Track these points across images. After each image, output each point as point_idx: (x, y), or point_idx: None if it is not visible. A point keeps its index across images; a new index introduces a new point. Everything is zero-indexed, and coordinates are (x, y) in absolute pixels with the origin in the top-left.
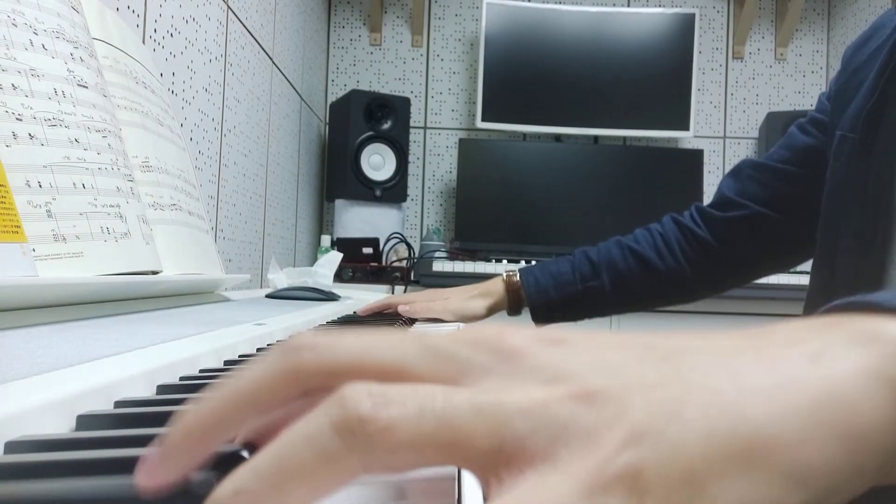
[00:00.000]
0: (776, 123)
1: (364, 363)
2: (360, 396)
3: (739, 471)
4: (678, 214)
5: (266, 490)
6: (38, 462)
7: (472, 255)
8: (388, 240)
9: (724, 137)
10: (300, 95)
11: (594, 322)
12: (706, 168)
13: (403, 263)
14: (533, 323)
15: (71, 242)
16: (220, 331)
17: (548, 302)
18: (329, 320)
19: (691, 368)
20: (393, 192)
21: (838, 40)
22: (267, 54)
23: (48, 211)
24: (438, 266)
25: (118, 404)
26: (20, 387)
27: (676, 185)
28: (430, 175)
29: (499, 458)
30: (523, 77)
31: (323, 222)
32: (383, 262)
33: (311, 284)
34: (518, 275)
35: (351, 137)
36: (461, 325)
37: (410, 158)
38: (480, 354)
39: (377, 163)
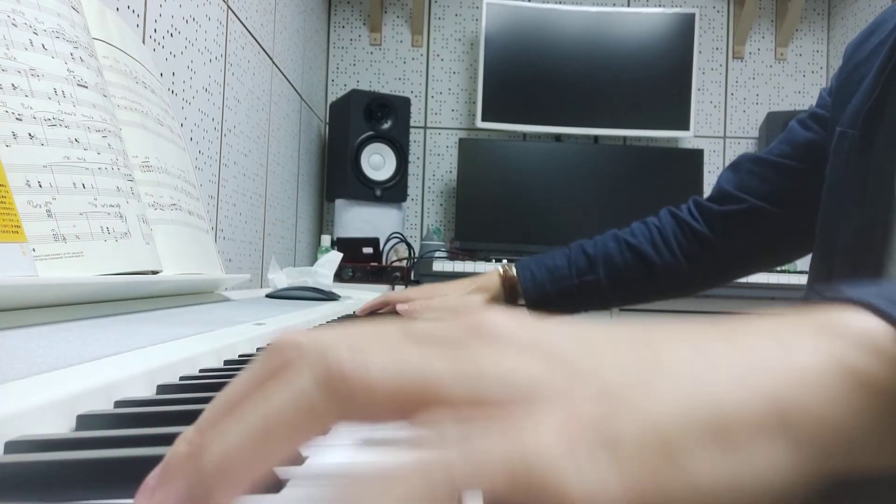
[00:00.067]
0: (776, 123)
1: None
2: (341, 353)
3: (710, 445)
4: (675, 208)
5: (253, 443)
6: (38, 462)
7: (473, 255)
8: (388, 240)
9: (724, 137)
10: (300, 95)
11: (591, 315)
12: (706, 168)
13: (403, 263)
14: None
15: (71, 242)
16: (220, 331)
17: (544, 296)
18: (329, 320)
19: (667, 350)
20: (393, 191)
21: (838, 40)
22: (267, 54)
23: (48, 211)
24: (438, 266)
25: (118, 404)
26: (20, 387)
27: (676, 185)
28: (430, 175)
29: (475, 405)
30: (523, 77)
31: (323, 222)
32: (383, 262)
33: (311, 284)
34: (514, 269)
35: (351, 137)
36: None
37: (410, 158)
38: (460, 332)
39: (377, 163)
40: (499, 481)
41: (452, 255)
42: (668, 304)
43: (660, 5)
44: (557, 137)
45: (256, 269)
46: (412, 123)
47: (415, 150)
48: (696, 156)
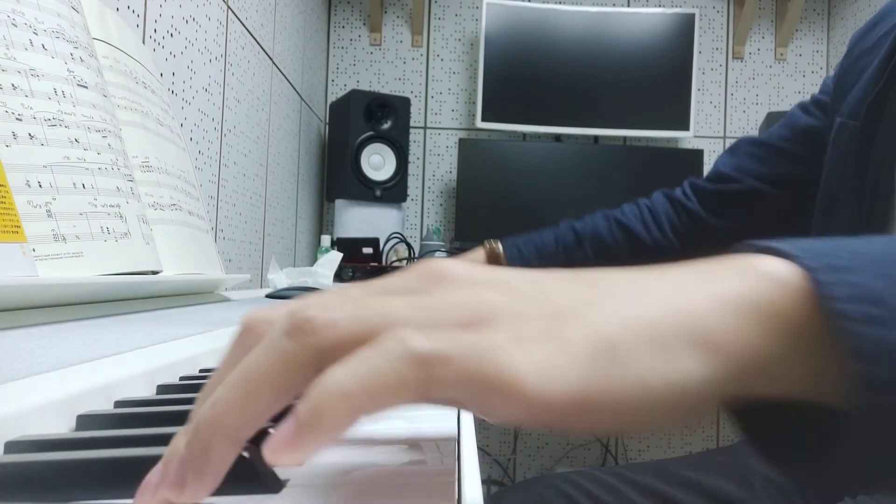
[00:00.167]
0: (776, 123)
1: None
2: (308, 308)
3: (646, 349)
4: (669, 189)
5: (236, 395)
6: (38, 462)
7: None
8: (388, 240)
9: (724, 137)
10: (300, 95)
11: None
12: (706, 168)
13: (403, 263)
14: None
15: (71, 242)
16: (220, 331)
17: None
18: None
19: (606, 281)
20: (393, 192)
21: (838, 40)
22: (267, 54)
23: (48, 211)
24: None
25: (118, 404)
26: (20, 387)
27: (676, 185)
28: (430, 175)
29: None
30: (523, 77)
31: (323, 222)
32: (383, 262)
33: (311, 284)
34: (500, 245)
35: (351, 137)
36: None
37: (410, 158)
38: (417, 279)
39: (377, 163)
40: (455, 375)
41: (452, 255)
42: None
43: (660, 5)
44: (557, 137)
45: (256, 269)
46: (412, 123)
47: (415, 151)
48: (695, 156)
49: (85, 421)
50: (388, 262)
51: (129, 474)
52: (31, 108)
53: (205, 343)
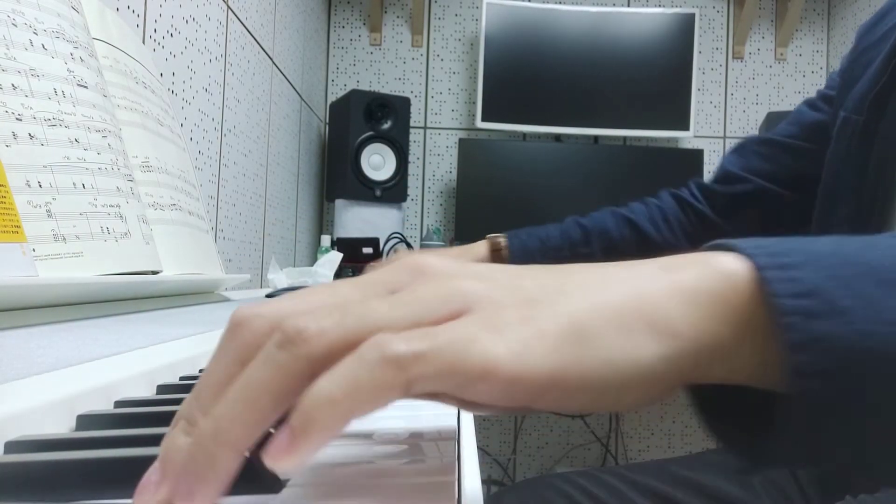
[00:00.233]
0: (776, 123)
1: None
2: (296, 318)
3: (612, 331)
4: (676, 190)
5: (238, 408)
6: (38, 462)
7: None
8: (388, 240)
9: (724, 137)
10: (300, 95)
11: None
12: (706, 168)
13: None
14: None
15: (71, 242)
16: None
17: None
18: None
19: (574, 273)
20: (393, 192)
21: (838, 40)
22: (267, 54)
23: (48, 211)
24: None
25: (118, 404)
26: (20, 387)
27: (676, 185)
28: (430, 175)
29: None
30: (523, 77)
31: (323, 222)
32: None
33: (311, 284)
34: (503, 238)
35: (351, 137)
36: None
37: (410, 158)
38: (397, 274)
39: (377, 163)
40: (433, 370)
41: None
42: None
43: (660, 5)
44: (557, 137)
45: (256, 269)
46: (412, 123)
47: (415, 151)
48: (695, 156)
49: (85, 421)
50: None
51: (129, 474)
52: (31, 108)
53: (205, 343)
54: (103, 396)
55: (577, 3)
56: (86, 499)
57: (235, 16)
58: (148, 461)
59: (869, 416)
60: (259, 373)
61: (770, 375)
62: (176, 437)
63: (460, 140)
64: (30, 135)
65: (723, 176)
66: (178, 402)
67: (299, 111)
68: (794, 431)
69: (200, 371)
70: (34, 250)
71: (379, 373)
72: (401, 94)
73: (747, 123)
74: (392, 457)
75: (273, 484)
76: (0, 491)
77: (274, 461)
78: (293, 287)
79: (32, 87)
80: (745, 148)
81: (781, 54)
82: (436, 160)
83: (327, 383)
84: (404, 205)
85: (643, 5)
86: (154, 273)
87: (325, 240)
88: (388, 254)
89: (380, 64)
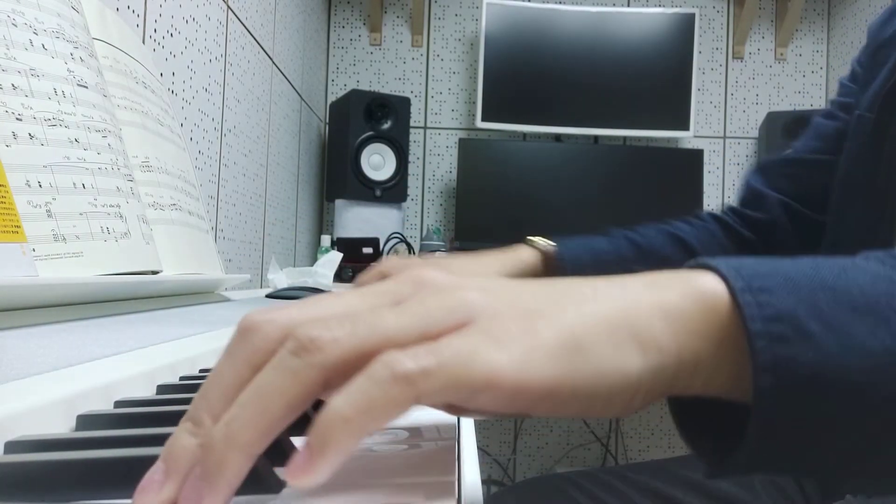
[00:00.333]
0: (776, 123)
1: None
2: (309, 326)
3: (604, 343)
4: (715, 213)
5: (250, 413)
6: (38, 462)
7: None
8: (388, 240)
9: (724, 137)
10: (300, 95)
11: None
12: (706, 168)
13: None
14: None
15: (71, 242)
16: (220, 331)
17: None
18: None
19: (567, 286)
20: (393, 192)
21: (838, 40)
22: (267, 54)
23: (48, 211)
24: None
25: (118, 404)
26: (20, 387)
27: (676, 185)
28: (430, 175)
29: (426, 342)
30: (523, 77)
31: (323, 222)
32: None
33: (311, 284)
34: (552, 245)
35: (351, 137)
36: None
37: (410, 158)
38: (405, 286)
39: (377, 163)
40: (440, 384)
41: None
42: None
43: (660, 5)
44: (557, 137)
45: (256, 269)
46: (412, 123)
47: (415, 150)
48: (695, 156)
49: (85, 421)
50: None
51: (129, 474)
52: (31, 108)
53: (205, 343)
54: (103, 396)
55: (577, 3)
56: (86, 499)
57: (235, 16)
58: (148, 461)
59: (826, 435)
60: (273, 379)
61: (743, 390)
62: (181, 438)
63: (460, 140)
64: (30, 135)
65: (754, 200)
66: (178, 402)
67: (299, 111)
68: (752, 445)
69: (201, 371)
70: (34, 250)
71: (389, 390)
72: (401, 94)
73: (747, 123)
74: (392, 456)
75: (273, 484)
76: (0, 491)
77: (294, 479)
78: (293, 287)
79: (32, 87)
80: (769, 170)
81: (781, 54)
82: (436, 160)
83: (340, 403)
84: (404, 205)
85: (643, 5)
86: (154, 273)
87: (325, 240)
88: (387, 254)
89: (380, 64)
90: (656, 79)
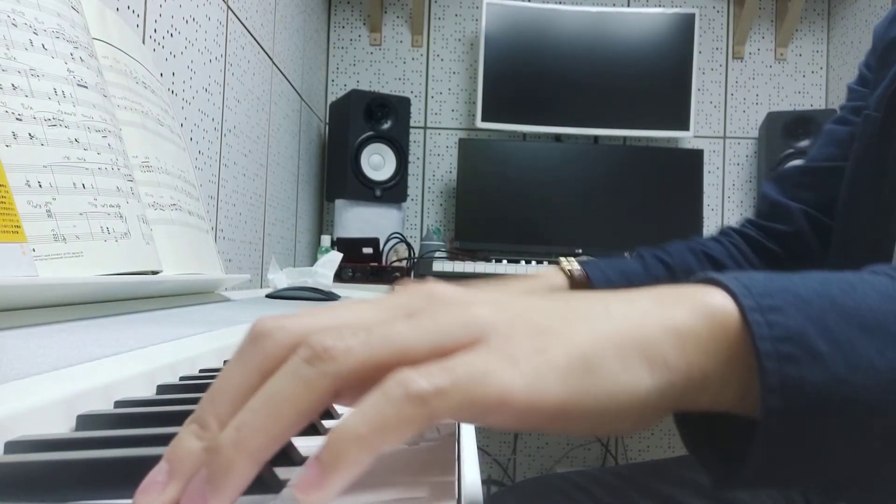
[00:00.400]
0: (776, 123)
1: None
2: (323, 335)
3: (613, 361)
4: (739, 228)
5: (261, 419)
6: (38, 462)
7: (473, 255)
8: (388, 240)
9: (724, 137)
10: (300, 95)
11: None
12: (706, 168)
13: (403, 263)
14: None
15: (71, 242)
16: (220, 331)
17: None
18: None
19: (578, 302)
20: (393, 192)
21: (838, 40)
22: (267, 54)
23: (48, 211)
24: (438, 266)
25: (118, 404)
26: (20, 387)
27: (676, 185)
28: (430, 175)
29: (439, 358)
30: (523, 77)
31: (323, 222)
32: (383, 262)
33: (311, 284)
34: (584, 269)
35: (351, 137)
36: None
37: (410, 158)
38: (417, 300)
39: (377, 163)
40: (453, 404)
41: (452, 256)
42: None
43: (660, 5)
44: (557, 137)
45: (256, 269)
46: (412, 123)
47: (415, 150)
48: (695, 156)
49: (85, 421)
50: (388, 262)
51: (130, 474)
52: (31, 108)
53: (205, 343)
54: (103, 396)
55: (577, 3)
56: (86, 499)
57: (235, 16)
58: (148, 461)
59: (833, 454)
60: (285, 386)
61: (750, 406)
62: (187, 440)
63: (460, 140)
64: (30, 135)
65: (772, 209)
66: (178, 402)
67: (299, 111)
68: (758, 462)
69: (201, 371)
70: (34, 250)
71: (403, 409)
72: (401, 94)
73: (747, 123)
74: (392, 456)
75: (273, 484)
76: (0, 491)
77: (305, 495)
78: (293, 287)
79: (32, 87)
80: (786, 181)
81: (781, 54)
82: (436, 160)
83: (354, 420)
84: (404, 205)
85: (643, 5)
86: (154, 273)
87: (325, 240)
88: (387, 254)
89: (380, 64)
90: (656, 79)
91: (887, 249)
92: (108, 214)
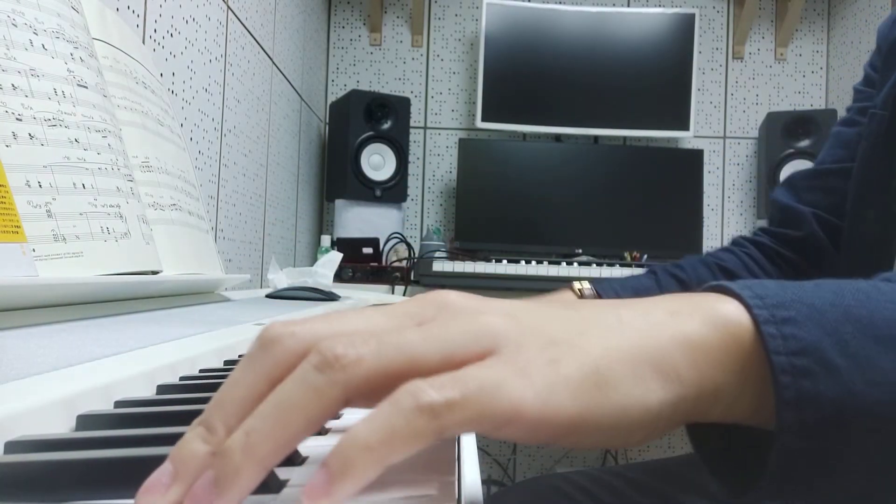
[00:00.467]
0: (776, 123)
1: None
2: (334, 342)
3: (626, 374)
4: (751, 237)
5: (270, 425)
6: (38, 462)
7: (473, 255)
8: (388, 240)
9: (724, 137)
10: (300, 95)
11: None
12: (706, 168)
13: (403, 263)
14: None
15: (71, 242)
16: (220, 331)
17: None
18: None
19: (591, 312)
20: (393, 192)
21: (838, 40)
22: (267, 54)
23: (48, 211)
24: (438, 266)
25: (118, 404)
26: (20, 387)
27: (676, 185)
28: (430, 175)
29: (450, 368)
30: (523, 77)
31: (323, 222)
32: (383, 262)
33: (311, 284)
34: (593, 289)
35: (351, 137)
36: None
37: (410, 158)
38: (427, 309)
39: (377, 163)
40: (464, 417)
41: (452, 256)
42: None
43: (660, 5)
44: (557, 137)
45: (256, 269)
46: (412, 123)
47: (415, 151)
48: (695, 156)
49: (85, 421)
50: (388, 263)
51: (129, 474)
52: (31, 108)
53: (205, 343)
54: (103, 396)
55: (577, 3)
56: (86, 499)
57: (235, 16)
58: (148, 461)
59: (850, 467)
60: (294, 393)
61: (764, 418)
62: (193, 442)
63: (460, 140)
64: (30, 135)
65: (784, 215)
66: (178, 402)
67: (299, 111)
68: (773, 476)
69: (201, 371)
70: (34, 250)
71: (413, 421)
72: (401, 94)
73: (747, 123)
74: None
75: (273, 484)
76: (0, 491)
77: (313, 501)
78: (293, 287)
79: (32, 87)
80: (797, 185)
81: (781, 54)
82: (436, 160)
83: (363, 430)
84: (404, 205)
85: (643, 5)
86: (154, 273)
87: (325, 240)
88: (387, 254)
89: (380, 64)
90: (656, 79)
91: (894, 248)
92: (108, 214)
